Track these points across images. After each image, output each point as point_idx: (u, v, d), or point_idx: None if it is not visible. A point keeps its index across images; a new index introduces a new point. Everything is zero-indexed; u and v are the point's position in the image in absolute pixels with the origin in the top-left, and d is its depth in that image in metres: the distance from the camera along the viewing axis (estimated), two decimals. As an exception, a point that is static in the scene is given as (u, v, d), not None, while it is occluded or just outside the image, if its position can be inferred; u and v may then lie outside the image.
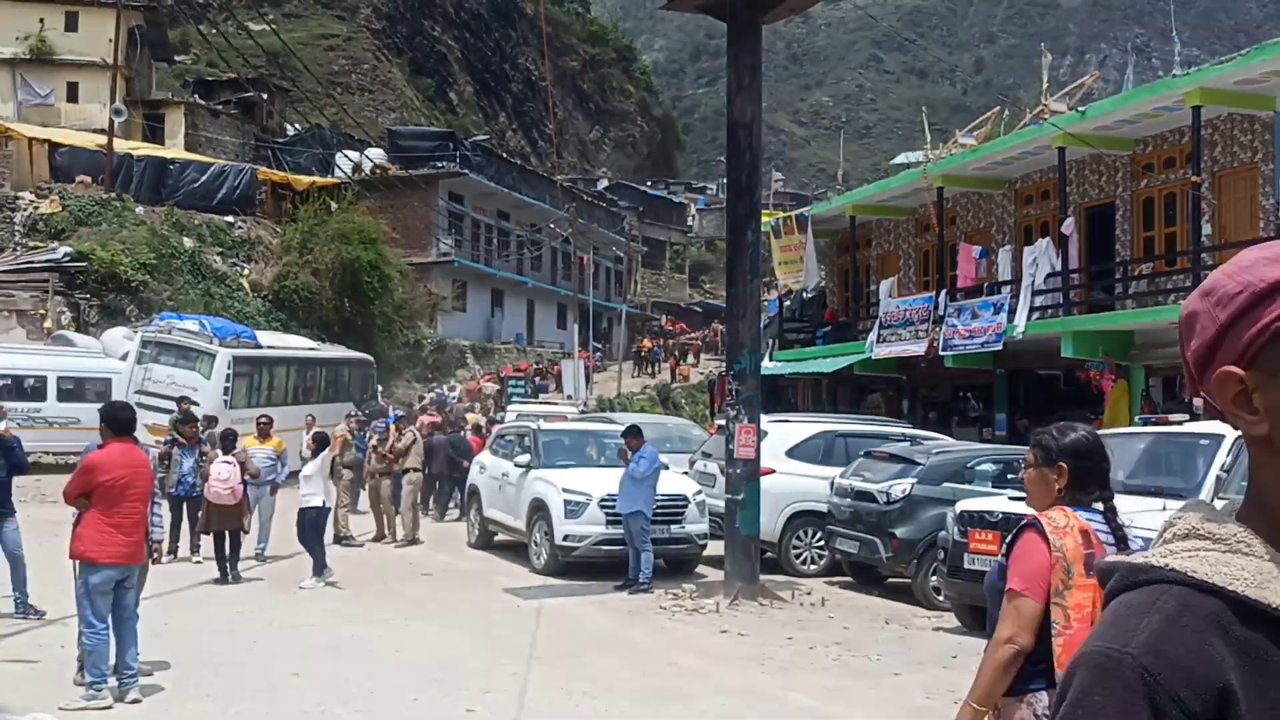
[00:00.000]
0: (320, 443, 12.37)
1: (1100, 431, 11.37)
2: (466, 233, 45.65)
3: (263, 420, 14.07)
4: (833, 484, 12.64)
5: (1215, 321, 0.99)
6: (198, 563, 12.84)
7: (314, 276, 31.79)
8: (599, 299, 55.22)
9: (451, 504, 20.02)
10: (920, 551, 11.09)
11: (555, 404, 30.15)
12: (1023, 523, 2.96)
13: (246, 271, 32.15)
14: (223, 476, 12.14)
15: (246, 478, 12.43)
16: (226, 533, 12.14)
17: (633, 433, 12.24)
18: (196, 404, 19.37)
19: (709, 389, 33.74)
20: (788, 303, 27.92)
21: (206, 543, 12.75)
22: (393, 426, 17.25)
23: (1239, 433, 1.00)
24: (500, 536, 15.04)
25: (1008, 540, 2.99)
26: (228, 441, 12.61)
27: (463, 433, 21.55)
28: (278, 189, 36.89)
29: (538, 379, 41.39)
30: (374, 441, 16.43)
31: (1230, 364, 0.98)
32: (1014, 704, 2.75)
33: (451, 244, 43.00)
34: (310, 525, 11.91)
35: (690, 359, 53.32)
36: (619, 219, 60.20)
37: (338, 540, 13.99)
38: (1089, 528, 2.91)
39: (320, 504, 11.92)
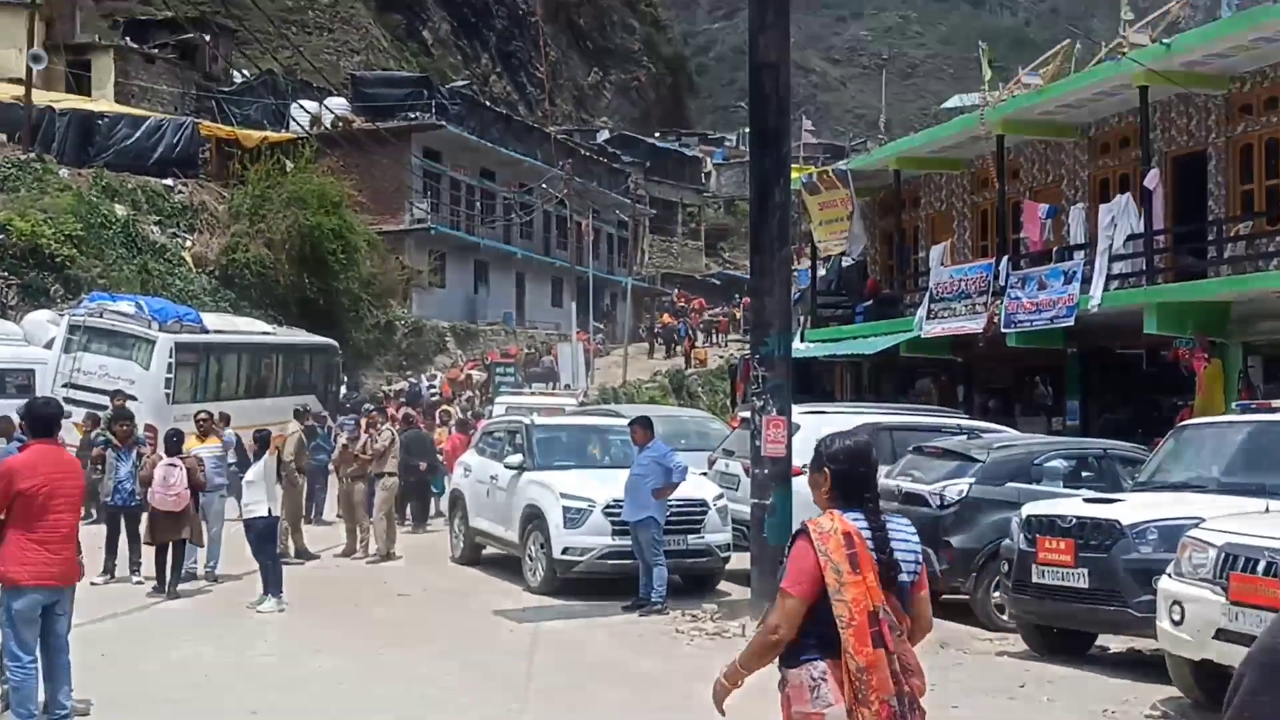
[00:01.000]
0: (263, 443, 12.39)
1: (1191, 421, 11.35)
2: (445, 195, 45.63)
3: (202, 417, 14.09)
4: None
5: None
6: (138, 583, 12.91)
7: (267, 248, 31.85)
8: (600, 271, 55.24)
9: (433, 514, 20.06)
10: (980, 563, 11.09)
11: (550, 395, 30.20)
12: (796, 530, 3.88)
13: (189, 243, 32.21)
14: (169, 482, 12.18)
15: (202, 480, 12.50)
16: (171, 543, 12.20)
17: (641, 422, 12.24)
18: (134, 398, 19.43)
19: (730, 375, 33.72)
20: (822, 272, 27.86)
21: (149, 559, 12.81)
22: (363, 422, 17.29)
23: None
24: (489, 550, 15.07)
25: (788, 544, 3.89)
26: (172, 443, 12.65)
27: (439, 429, 21.60)
28: (224, 146, 36.92)
29: (530, 366, 41.47)
30: (343, 440, 16.47)
31: None
32: (795, 673, 3.80)
33: (427, 209, 43.02)
34: (260, 538, 11.95)
35: (711, 339, 53.37)
36: (623, 177, 60.15)
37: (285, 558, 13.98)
38: (853, 528, 3.79)
39: (267, 513, 11.95)
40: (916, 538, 3.97)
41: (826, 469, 3.97)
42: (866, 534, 3.83)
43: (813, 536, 3.82)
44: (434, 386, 34.27)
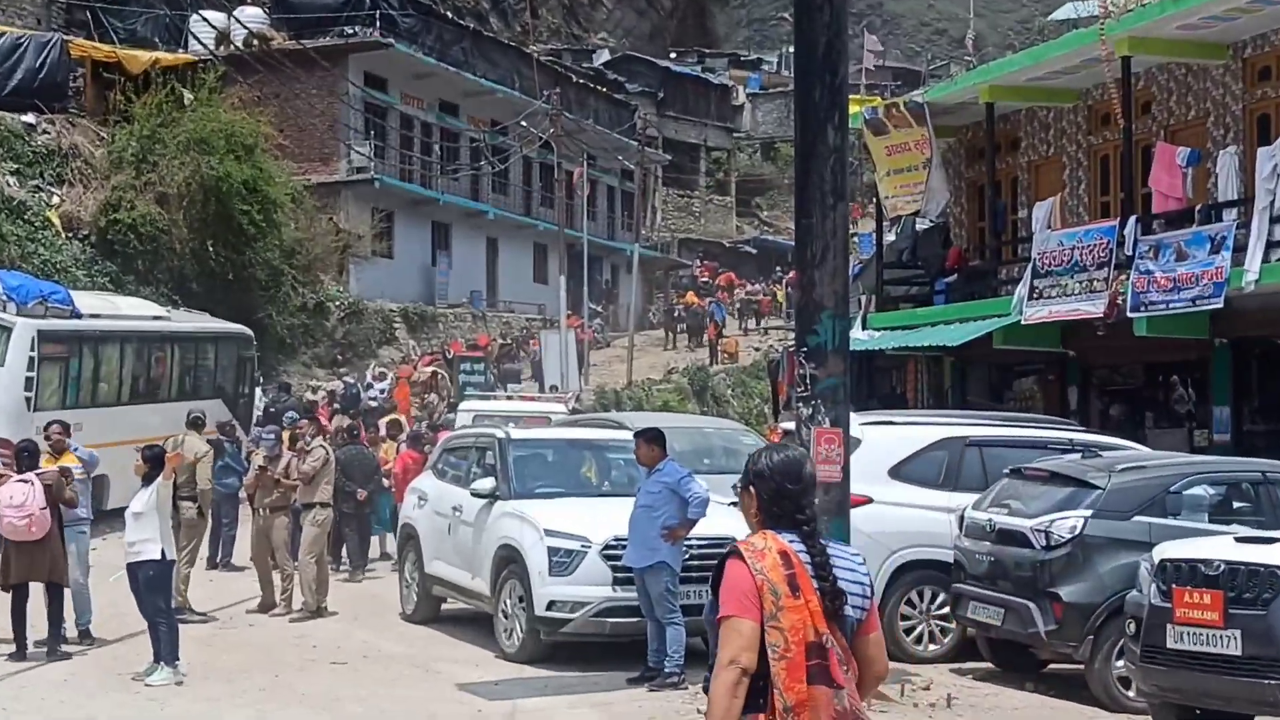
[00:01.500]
0: (155, 463, 12.38)
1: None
2: (393, 136, 45.62)
3: (56, 429, 13.95)
4: (962, 519, 12.62)
5: None
6: (-12, 648, 12.94)
7: (159, 206, 31.89)
8: (598, 237, 55.29)
9: (376, 555, 20.07)
10: (1098, 623, 11.08)
11: (532, 399, 30.21)
12: (725, 551, 4.31)
13: (56, 200, 32.24)
14: (15, 501, 12.21)
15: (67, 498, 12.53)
16: (45, 587, 12.24)
17: (650, 437, 12.24)
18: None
19: (769, 374, 33.75)
20: (890, 238, 27.79)
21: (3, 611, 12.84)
22: (286, 435, 17.31)
23: None
24: (451, 603, 15.07)
25: (713, 573, 4.28)
26: (24, 458, 12.68)
27: (385, 444, 21.61)
28: (101, 71, 36.87)
29: (505, 361, 41.47)
30: (259, 460, 16.50)
31: None
32: None
33: (370, 154, 43.04)
34: (150, 588, 11.96)
35: (744, 325, 53.41)
36: (628, 112, 60.18)
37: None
38: (789, 549, 4.24)
39: (160, 555, 11.96)
40: (865, 567, 4.42)
41: (752, 488, 4.45)
42: (805, 558, 4.25)
43: (746, 556, 4.22)
44: (380, 390, 34.27)
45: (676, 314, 53.17)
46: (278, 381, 33.78)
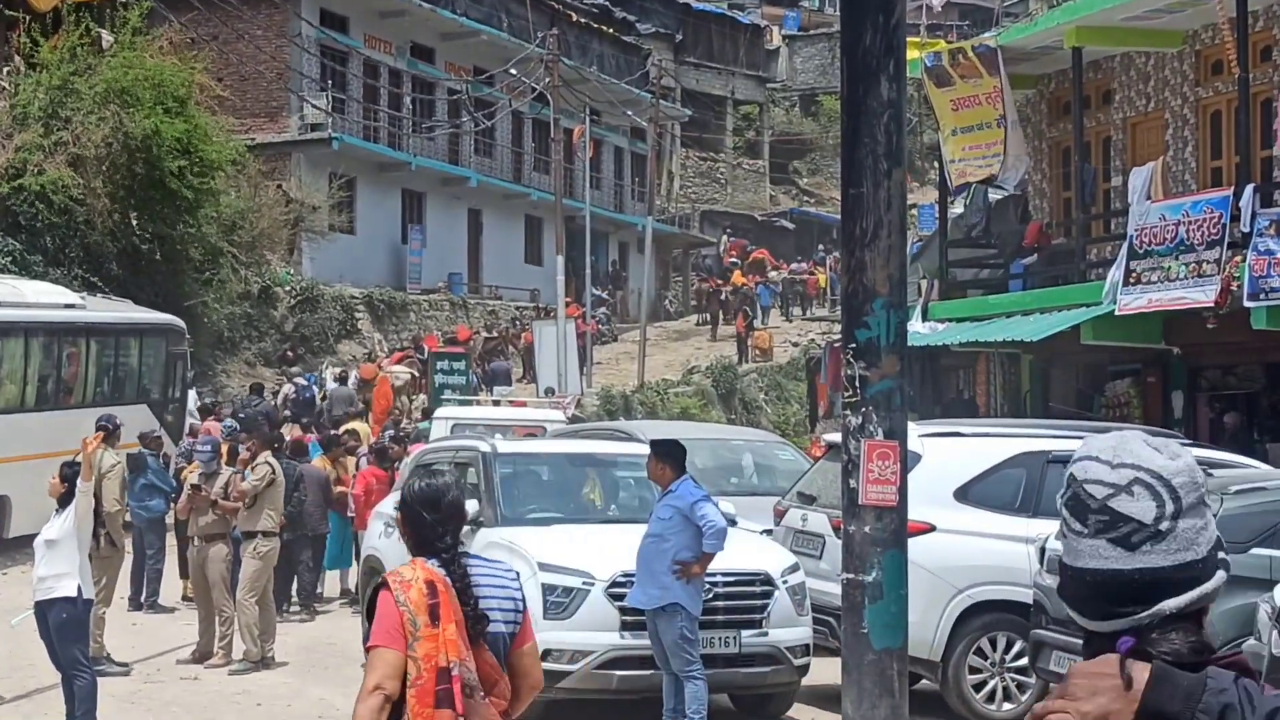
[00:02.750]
0: (73, 483, 12.38)
1: None
2: (355, 87, 45.65)
3: None
4: (1043, 551, 12.59)
5: None
6: None
7: (73, 170, 31.93)
8: (604, 209, 55.26)
9: (332, 593, 20.08)
10: (1208, 676, 11.05)
11: (524, 404, 30.24)
12: (377, 582, 5.29)
13: (-52, 163, 32.30)
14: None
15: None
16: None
17: (665, 451, 12.24)
18: None
19: (808, 374, 33.75)
20: (958, 210, 27.75)
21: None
22: (224, 448, 17.27)
23: None
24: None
25: (366, 601, 5.29)
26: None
27: (341, 459, 21.64)
28: (3, 9, 37.01)
29: (491, 358, 41.47)
30: (192, 478, 16.53)
31: None
32: None
33: (326, 108, 43.07)
34: (64, 633, 11.97)
35: (788, 312, 53.49)
36: (639, 58, 60.18)
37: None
38: (437, 577, 5.25)
39: (75, 592, 11.97)
40: (517, 582, 5.50)
41: (400, 512, 5.57)
42: (448, 581, 5.31)
43: (393, 587, 5.27)
44: (345, 388, 34.30)
45: (724, 297, 53.19)
46: (251, 382, 33.96)
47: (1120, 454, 2.67)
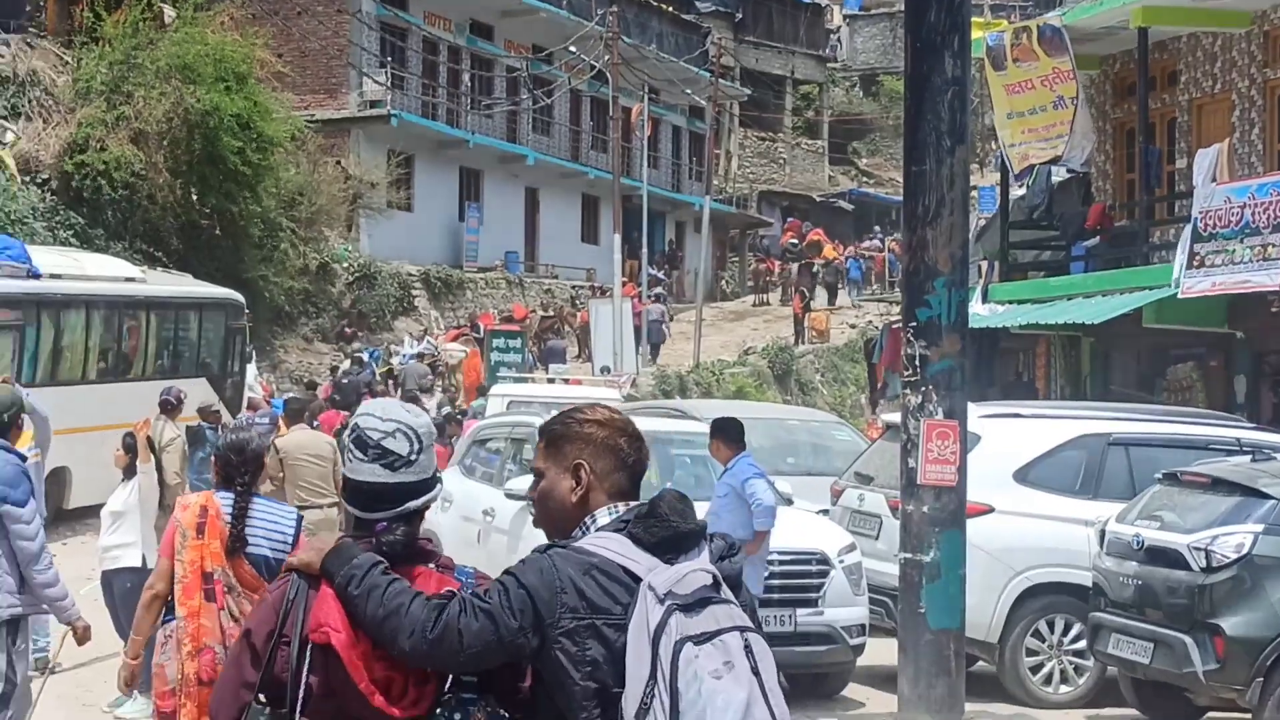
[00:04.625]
0: (135, 454, 12.44)
1: None
2: (414, 63, 45.71)
3: None
4: (1103, 534, 12.55)
5: None
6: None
7: (135, 146, 32.09)
8: (661, 189, 55.17)
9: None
10: (1269, 661, 11.03)
11: (579, 382, 30.26)
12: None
13: (10, 137, 32.53)
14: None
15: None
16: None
17: (725, 430, 12.22)
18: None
19: (867, 354, 33.65)
20: (1019, 193, 27.61)
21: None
22: (282, 423, 17.38)
23: None
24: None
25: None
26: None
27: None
28: (66, -16, 37.22)
29: (547, 337, 41.52)
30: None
31: None
32: (160, 630, 7.43)
33: (386, 85, 43.15)
34: (127, 601, 12.01)
35: (850, 290, 53.60)
36: (699, 36, 60.05)
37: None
38: (214, 504, 7.17)
39: (140, 562, 12.03)
40: (293, 524, 7.30)
41: (214, 457, 7.64)
42: (228, 510, 7.15)
43: (176, 510, 7.35)
44: (406, 360, 34.47)
45: (815, 270, 53.27)
46: (352, 354, 34.20)
47: (388, 412, 4.25)
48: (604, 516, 4.00)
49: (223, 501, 7.14)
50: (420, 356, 36.93)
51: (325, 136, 40.08)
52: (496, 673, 4.01)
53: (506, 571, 3.96)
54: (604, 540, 3.92)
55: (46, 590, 8.45)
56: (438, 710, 4.02)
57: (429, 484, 4.23)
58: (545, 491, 4.12)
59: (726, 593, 3.88)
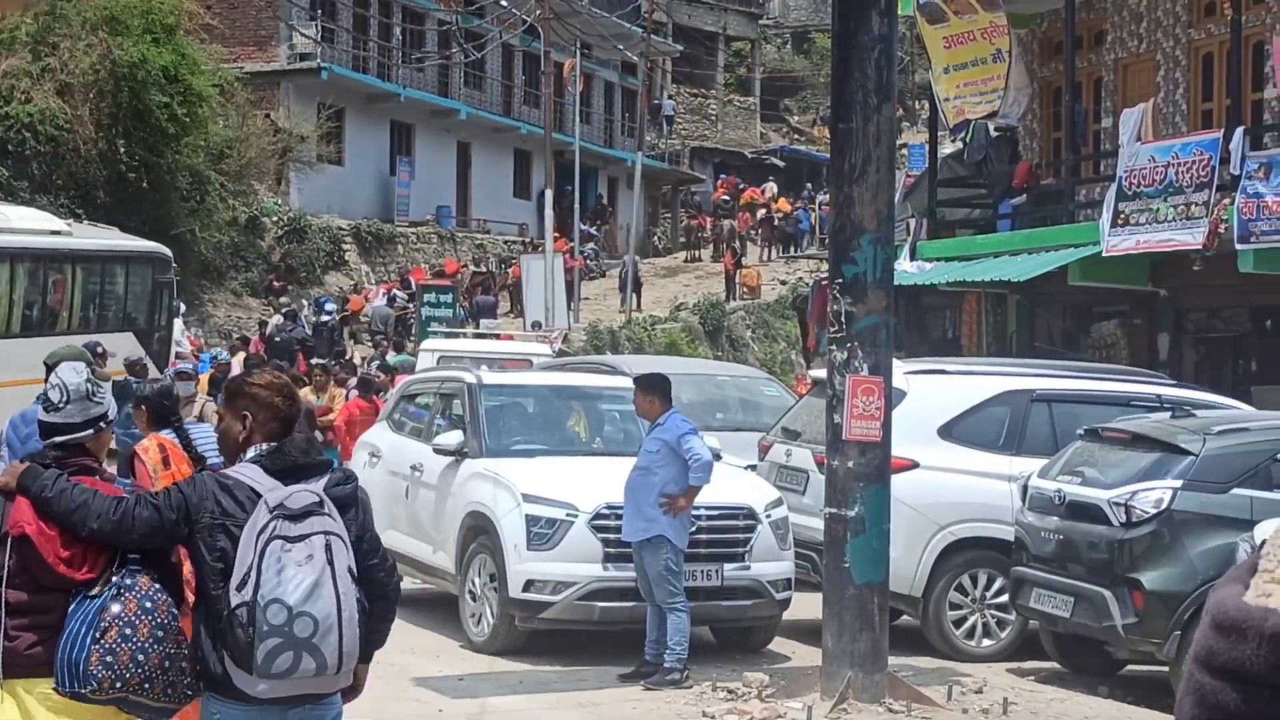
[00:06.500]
0: None
1: None
2: (344, 16, 45.40)
3: None
4: (1025, 489, 12.67)
5: None
6: None
7: (61, 98, 31.79)
8: (593, 144, 55.03)
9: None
10: (1187, 615, 11.11)
11: (510, 338, 30.25)
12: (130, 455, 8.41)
13: (-67, 89, 32.15)
14: None
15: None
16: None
17: (651, 384, 12.25)
18: None
19: (796, 311, 33.76)
20: (948, 149, 27.68)
21: None
22: (210, 376, 17.28)
23: None
24: (408, 582, 15.11)
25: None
26: None
27: (330, 389, 21.70)
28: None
29: (478, 292, 41.46)
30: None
31: None
32: None
33: (315, 37, 42.83)
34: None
35: (770, 252, 53.83)
36: (630, -9, 59.80)
37: None
38: (166, 441, 7.96)
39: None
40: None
41: (143, 406, 8.50)
42: (176, 441, 7.95)
43: (139, 455, 7.94)
44: (327, 318, 34.40)
45: (775, 222, 53.46)
46: (284, 309, 34.14)
47: (60, 373, 5.85)
48: (252, 452, 5.59)
49: (169, 436, 8.02)
50: (392, 301, 37.68)
51: (254, 89, 39.85)
52: (157, 552, 5.64)
53: (175, 484, 5.88)
54: (244, 468, 5.55)
55: None
56: (114, 578, 5.51)
57: (77, 426, 5.78)
58: (223, 431, 5.80)
59: (329, 508, 5.49)
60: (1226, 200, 18.91)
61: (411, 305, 37.68)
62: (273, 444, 5.62)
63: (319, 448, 5.82)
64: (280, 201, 40.90)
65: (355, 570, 5.52)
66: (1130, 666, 12.49)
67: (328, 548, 5.42)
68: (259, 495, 5.42)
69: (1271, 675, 1.01)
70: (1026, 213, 24.22)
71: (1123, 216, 20.42)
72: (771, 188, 59.13)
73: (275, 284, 38.82)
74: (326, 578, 5.39)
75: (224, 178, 36.48)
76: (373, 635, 5.79)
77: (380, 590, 5.81)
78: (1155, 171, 20.12)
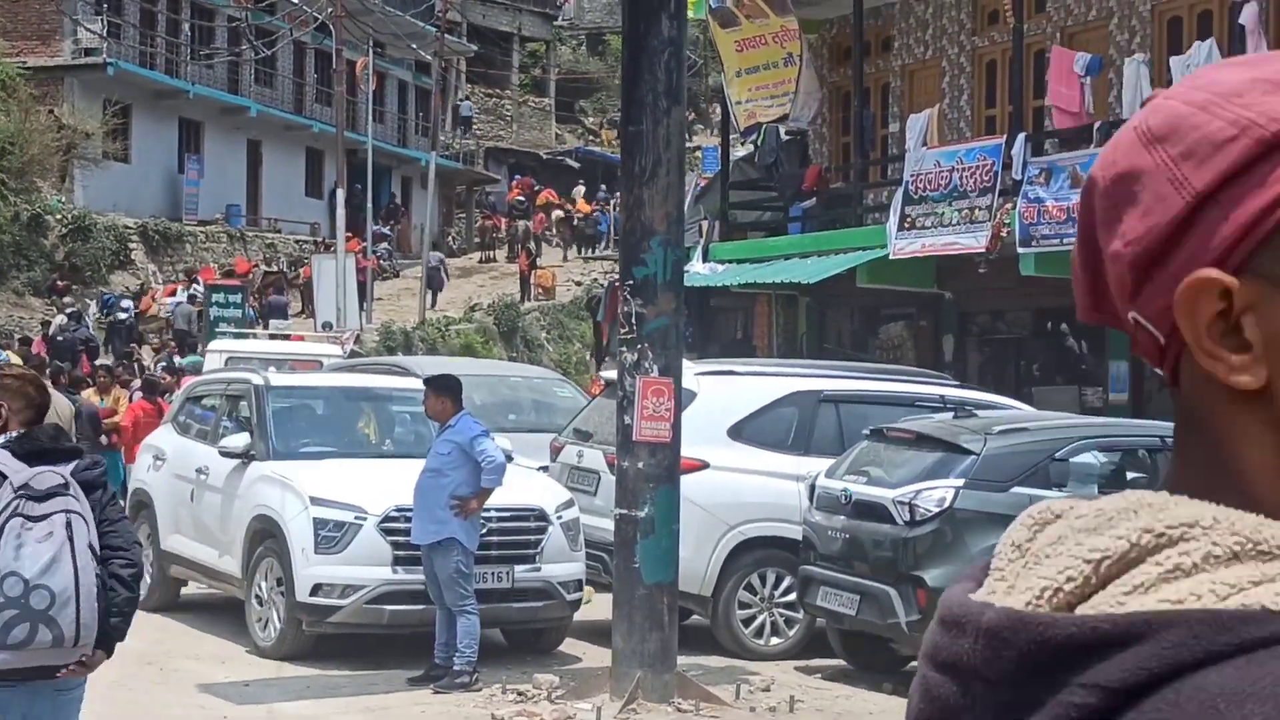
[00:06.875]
0: None
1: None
2: (131, 11, 44.54)
3: None
4: (813, 489, 12.81)
5: (1183, 187, 1.01)
6: None
7: None
8: (387, 143, 54.64)
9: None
10: (970, 612, 11.31)
11: (301, 339, 29.90)
12: None
13: None
14: None
15: None
16: None
17: (442, 386, 12.20)
18: None
19: (590, 312, 33.83)
20: (742, 152, 27.90)
21: None
22: None
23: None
24: (193, 587, 14.89)
25: None
26: None
27: (113, 392, 21.30)
28: None
29: (268, 292, 40.91)
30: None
31: (1208, 265, 1.01)
32: None
33: (101, 32, 41.98)
34: None
35: (574, 252, 54.08)
36: (425, -9, 59.44)
37: None
38: None
39: None
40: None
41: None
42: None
43: None
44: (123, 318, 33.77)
45: (575, 223, 53.41)
46: (68, 310, 33.39)
47: None
48: (2, 439, 5.86)
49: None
50: (192, 299, 37.12)
51: (37, 85, 38.99)
52: None
53: None
54: None
55: None
56: None
57: None
58: None
59: (74, 490, 5.75)
60: (1009, 205, 19.27)
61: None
62: (22, 430, 5.94)
63: (68, 435, 6.34)
64: (64, 199, 40.02)
65: (97, 548, 5.79)
66: (914, 663, 12.67)
67: (68, 525, 5.69)
68: (4, 477, 5.72)
69: (985, 668, 1.02)
70: (816, 216, 24.46)
71: (909, 220, 20.73)
72: (580, 190, 59.21)
73: (59, 284, 37.94)
74: (65, 553, 5.66)
75: (5, 175, 35.60)
76: (112, 622, 5.96)
77: (119, 582, 5.97)
78: (940, 176, 20.46)
